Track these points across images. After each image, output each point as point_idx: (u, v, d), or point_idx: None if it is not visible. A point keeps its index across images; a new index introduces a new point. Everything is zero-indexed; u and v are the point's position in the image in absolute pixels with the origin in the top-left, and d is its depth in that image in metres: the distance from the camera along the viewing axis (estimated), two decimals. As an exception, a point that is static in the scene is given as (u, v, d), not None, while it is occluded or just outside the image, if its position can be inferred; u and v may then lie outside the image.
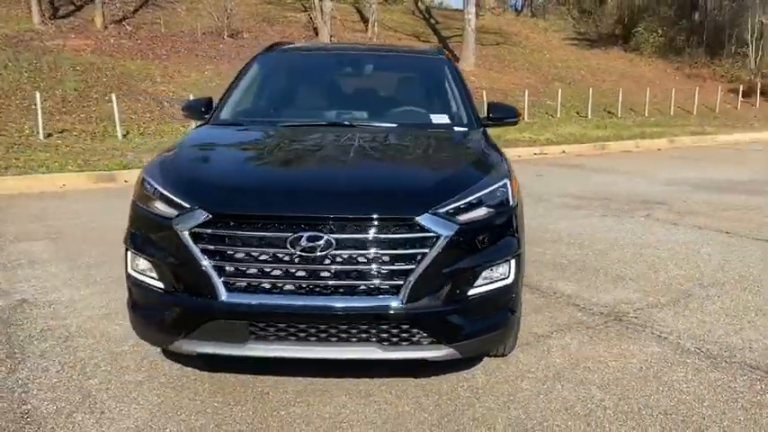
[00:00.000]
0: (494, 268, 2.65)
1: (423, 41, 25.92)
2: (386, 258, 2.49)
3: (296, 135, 3.47)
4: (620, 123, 18.86)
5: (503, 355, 3.20)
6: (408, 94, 4.22)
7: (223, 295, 2.52)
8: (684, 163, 12.12)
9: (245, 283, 2.52)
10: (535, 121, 18.19)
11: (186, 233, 2.55)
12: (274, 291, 2.53)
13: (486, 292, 2.64)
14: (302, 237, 2.46)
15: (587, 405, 2.80)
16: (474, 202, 2.64)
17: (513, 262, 2.72)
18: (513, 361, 3.24)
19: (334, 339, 2.55)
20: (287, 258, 2.49)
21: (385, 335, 2.54)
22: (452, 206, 2.58)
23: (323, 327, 2.53)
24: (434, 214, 2.53)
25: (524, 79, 23.00)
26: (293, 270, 2.50)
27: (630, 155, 13.54)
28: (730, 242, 5.79)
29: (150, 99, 15.93)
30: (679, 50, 27.70)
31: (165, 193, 2.72)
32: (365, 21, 26.34)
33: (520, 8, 33.54)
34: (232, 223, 2.53)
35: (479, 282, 2.62)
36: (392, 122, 3.68)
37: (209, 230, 2.54)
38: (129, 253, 2.83)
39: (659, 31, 27.60)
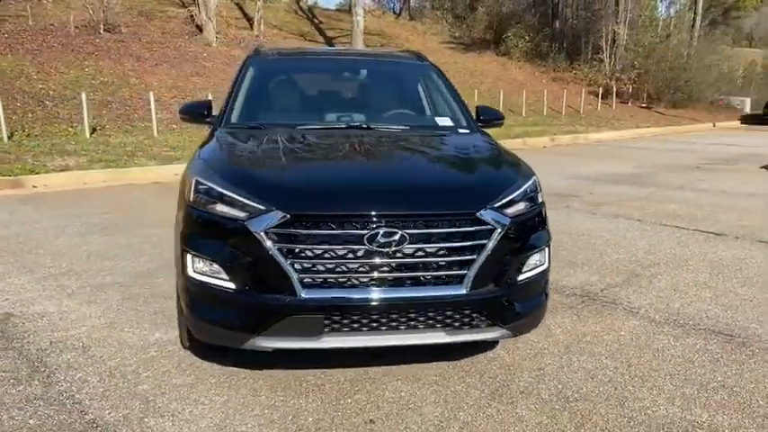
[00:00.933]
0: (534, 256, 3.01)
1: (310, 41, 26.02)
2: (451, 250, 2.76)
3: (325, 138, 3.63)
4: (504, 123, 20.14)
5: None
6: (406, 97, 4.48)
7: (301, 291, 2.66)
8: (574, 159, 13.31)
9: (321, 279, 2.68)
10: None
11: (263, 233, 2.66)
12: (350, 285, 2.70)
13: (530, 277, 2.99)
14: (378, 233, 2.66)
15: (606, 373, 3.24)
16: (517, 197, 2.98)
17: (546, 250, 3.10)
18: (525, 339, 3.62)
19: (404, 327, 2.78)
20: (363, 254, 2.68)
21: (449, 320, 2.80)
22: (503, 201, 2.90)
23: (394, 316, 2.75)
24: (491, 209, 2.83)
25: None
26: (369, 265, 2.69)
27: (523, 152, 14.57)
28: (645, 228, 6.61)
29: (29, 98, 14.75)
30: (544, 55, 29.94)
31: (234, 195, 2.79)
32: (248, 18, 25.96)
33: (398, 11, 34.56)
34: (309, 222, 2.67)
35: (525, 268, 2.96)
36: (403, 125, 3.93)
37: (286, 230, 2.66)
38: (188, 256, 2.86)
39: (526, 37, 29.66)
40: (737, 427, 2.74)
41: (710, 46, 28.74)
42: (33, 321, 3.84)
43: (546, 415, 2.81)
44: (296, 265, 2.66)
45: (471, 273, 2.76)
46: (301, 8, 31.02)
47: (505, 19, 31.92)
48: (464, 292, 2.76)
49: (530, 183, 3.13)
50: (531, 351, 3.49)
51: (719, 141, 18.22)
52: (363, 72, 4.57)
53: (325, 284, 2.70)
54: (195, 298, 2.89)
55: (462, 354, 3.39)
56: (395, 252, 2.69)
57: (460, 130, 3.95)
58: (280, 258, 2.65)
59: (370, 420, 2.76)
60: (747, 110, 27.58)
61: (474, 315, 2.83)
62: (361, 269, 2.70)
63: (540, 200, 3.15)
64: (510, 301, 2.90)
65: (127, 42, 19.90)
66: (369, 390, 3.03)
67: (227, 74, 18.91)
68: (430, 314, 2.78)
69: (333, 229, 2.68)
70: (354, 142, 3.54)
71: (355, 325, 2.74)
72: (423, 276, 2.75)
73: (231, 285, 2.75)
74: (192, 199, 2.92)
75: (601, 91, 26.87)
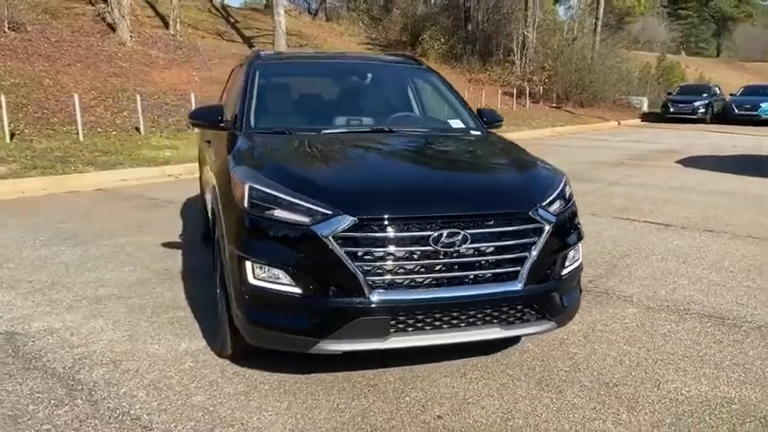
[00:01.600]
0: (572, 251, 3.21)
1: (228, 41, 25.47)
2: (506, 249, 2.90)
3: (358, 141, 3.67)
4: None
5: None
6: (415, 101, 4.58)
7: (370, 294, 2.72)
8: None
9: (388, 280, 2.74)
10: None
11: (331, 238, 2.69)
12: (416, 285, 2.79)
13: (571, 271, 3.18)
14: (443, 234, 2.76)
15: (631, 358, 3.49)
16: (557, 196, 3.17)
17: (579, 245, 3.30)
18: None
19: (463, 325, 2.89)
20: (428, 254, 2.77)
21: (504, 316, 2.94)
22: (548, 200, 3.08)
23: (455, 314, 2.86)
24: (541, 208, 3.01)
25: (333, 81, 23.82)
26: (433, 265, 2.79)
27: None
28: (602, 221, 7.04)
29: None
30: (459, 57, 30.76)
31: (296, 201, 2.80)
32: (161, 17, 25.03)
33: (315, 11, 34.41)
34: (376, 225, 2.73)
35: (567, 263, 3.15)
36: (421, 128, 4.03)
37: (354, 234, 2.71)
38: (247, 263, 2.84)
39: (441, 39, 30.35)
40: (763, 400, 3.04)
41: (612, 50, 30.65)
42: (43, 339, 3.65)
43: (596, 401, 3.00)
44: (363, 268, 2.71)
45: (524, 269, 2.91)
46: (215, 6, 30.25)
47: (420, 21, 32.52)
48: (519, 287, 2.90)
49: (564, 181, 3.33)
50: (555, 341, 3.70)
51: (629, 138, 19.47)
52: (369, 76, 4.64)
53: (392, 286, 2.76)
54: (256, 304, 2.87)
55: (494, 348, 3.54)
56: (457, 252, 2.80)
57: (473, 132, 4.10)
58: (348, 261, 2.69)
59: (438, 416, 2.85)
60: (645, 108, 29.61)
61: (525, 309, 2.98)
62: (425, 269, 2.79)
63: (572, 198, 3.35)
64: (557, 295, 3.08)
65: (35, 41, 18.71)
66: (422, 387, 3.12)
67: (148, 75, 18.23)
68: (487, 310, 2.90)
69: (399, 231, 2.75)
70: (389, 146, 3.62)
71: (419, 324, 2.83)
72: (482, 274, 2.87)
73: (297, 290, 2.77)
74: (247, 206, 2.89)
75: (515, 92, 27.97)
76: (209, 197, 5.15)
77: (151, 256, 5.43)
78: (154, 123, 14.78)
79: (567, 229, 3.16)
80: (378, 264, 2.73)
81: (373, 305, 2.73)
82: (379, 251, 2.73)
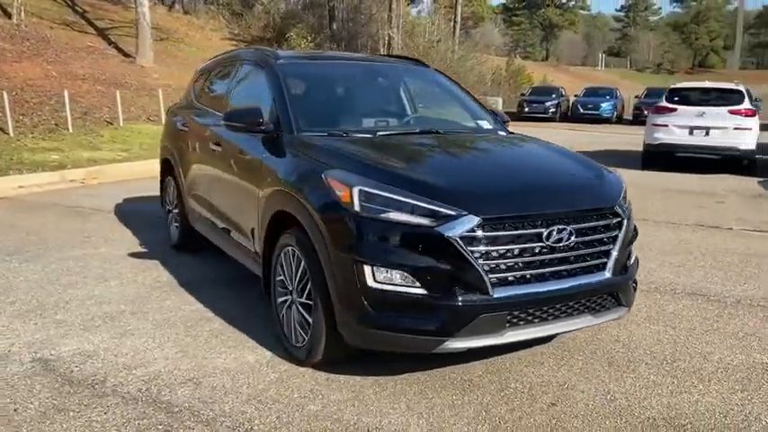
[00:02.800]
0: (634, 242, 3.51)
1: (79, 32, 23.47)
2: (599, 241, 3.15)
3: (425, 143, 3.72)
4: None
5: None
6: (441, 102, 4.65)
7: (493, 291, 2.83)
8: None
9: (507, 277, 2.86)
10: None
11: (457, 238, 2.77)
12: (529, 280, 2.94)
13: (633, 261, 3.48)
14: (553, 230, 2.94)
15: (665, 336, 3.85)
16: (625, 192, 3.46)
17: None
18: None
19: (564, 315, 3.07)
20: (541, 250, 2.94)
21: (594, 305, 3.16)
22: (622, 195, 3.36)
23: (559, 306, 3.04)
24: (621, 201, 3.29)
25: (204, 78, 22.92)
26: (545, 260, 2.96)
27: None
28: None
29: None
30: (325, 55, 30.97)
31: (417, 203, 2.82)
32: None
33: (171, 3, 32.63)
34: (497, 224, 2.83)
35: (632, 254, 3.45)
36: (462, 129, 4.17)
37: (478, 233, 2.79)
38: (366, 267, 2.82)
39: (308, 37, 30.31)
40: (789, 361, 3.56)
41: (471, 52, 32.44)
42: (87, 363, 3.31)
43: (670, 375, 3.30)
44: (486, 266, 2.81)
45: (611, 260, 3.16)
46: (60, -6, 27.66)
47: (284, 18, 32.20)
48: (608, 276, 3.15)
49: (620, 178, 3.63)
50: (605, 325, 3.91)
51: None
52: (393, 78, 4.68)
53: (509, 282, 2.88)
54: (377, 307, 2.85)
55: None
56: (564, 246, 2.99)
57: (500, 132, 4.29)
58: (473, 260, 2.77)
59: (552, 404, 2.99)
60: (500, 108, 31.71)
61: (609, 297, 3.22)
62: (539, 264, 2.95)
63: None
64: (630, 282, 3.36)
65: None
66: (515, 378, 3.24)
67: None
68: (583, 300, 3.11)
69: (516, 229, 2.88)
70: (459, 147, 3.72)
71: (530, 318, 2.97)
72: (582, 267, 3.08)
73: (422, 291, 2.79)
74: (359, 209, 2.86)
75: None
76: (192, 203, 4.90)
77: (128, 268, 5.04)
78: (19, 123, 13.35)
79: (633, 222, 3.45)
80: (498, 261, 2.83)
81: (495, 302, 2.83)
82: (499, 249, 2.83)
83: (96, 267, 5.04)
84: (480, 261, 2.78)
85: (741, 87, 11.94)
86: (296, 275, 3.27)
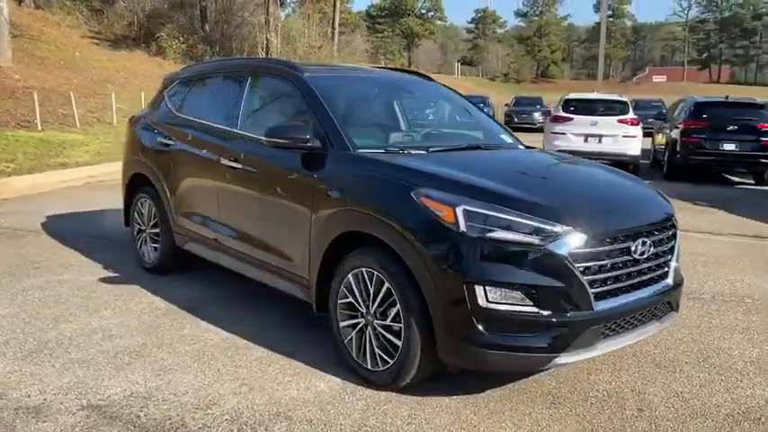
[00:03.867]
0: None
1: None
2: (666, 250, 3.34)
3: (484, 159, 3.80)
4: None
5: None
6: (465, 116, 4.68)
7: (596, 305, 2.93)
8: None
9: (606, 290, 2.99)
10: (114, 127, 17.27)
11: (567, 254, 2.85)
12: (621, 292, 3.06)
13: (677, 267, 3.68)
14: (639, 243, 3.09)
15: (692, 334, 4.15)
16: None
17: None
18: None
19: (639, 324, 3.22)
20: (628, 263, 3.07)
21: (659, 311, 3.36)
22: (672, 207, 3.64)
23: (638, 314, 3.18)
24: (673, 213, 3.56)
25: (71, 79, 21.07)
26: (632, 272, 3.10)
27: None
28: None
29: None
30: (199, 58, 29.67)
31: (522, 220, 2.86)
32: None
33: (22, -3, 29.55)
34: (599, 240, 2.95)
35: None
36: (497, 143, 4.30)
37: (584, 250, 2.90)
38: (477, 288, 2.82)
39: (180, 38, 28.99)
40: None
41: (351, 57, 32.76)
42: (147, 406, 3.02)
43: (715, 373, 3.57)
44: (588, 281, 2.91)
45: (671, 268, 3.38)
46: None
47: (151, 17, 30.54)
48: (670, 283, 3.36)
49: None
50: None
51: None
52: (420, 92, 4.70)
53: (605, 295, 2.98)
54: (488, 328, 2.85)
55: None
56: (646, 258, 3.15)
57: (520, 146, 4.45)
58: (579, 276, 2.87)
59: (639, 409, 3.14)
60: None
61: (669, 303, 3.42)
62: (626, 277, 3.08)
63: None
64: (680, 288, 3.57)
65: None
66: (588, 387, 3.37)
67: None
68: (653, 308, 3.28)
69: (613, 244, 3.01)
70: (520, 163, 3.85)
71: (618, 329, 3.09)
72: (656, 276, 3.27)
73: (534, 309, 2.84)
74: (465, 229, 2.86)
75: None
76: (185, 223, 4.63)
77: (110, 295, 4.60)
78: None
79: None
80: (597, 276, 2.94)
81: (597, 315, 2.93)
82: (598, 264, 2.95)
83: (72, 296, 4.55)
84: (585, 277, 2.89)
85: (625, 98, 13.23)
86: (373, 298, 3.19)
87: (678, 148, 11.96)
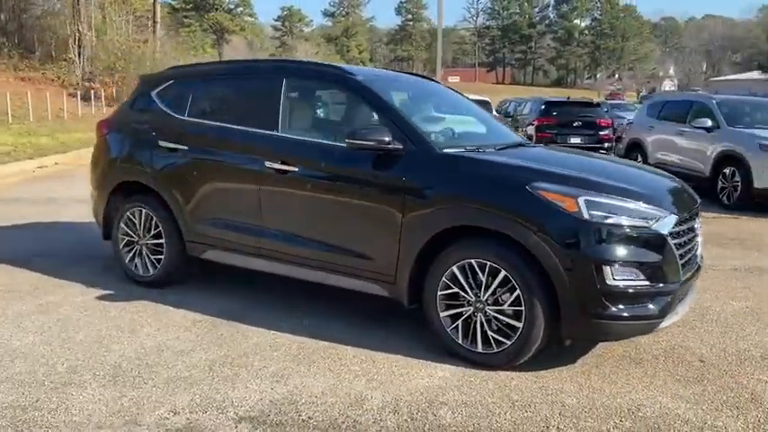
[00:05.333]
0: None
1: None
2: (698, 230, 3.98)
3: (544, 155, 4.28)
4: (35, 130, 17.52)
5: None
6: (475, 116, 4.99)
7: (682, 275, 3.52)
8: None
9: (683, 262, 3.55)
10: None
11: (668, 234, 3.40)
12: (689, 263, 3.67)
13: None
14: (697, 221, 3.80)
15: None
16: None
17: None
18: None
19: (687, 296, 3.78)
20: (689, 240, 3.69)
21: (695, 281, 4.08)
22: None
23: (693, 282, 3.85)
24: None
25: None
26: (691, 248, 3.71)
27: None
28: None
29: None
30: (-2, 53, 26.33)
31: (634, 206, 3.38)
32: None
33: None
34: (681, 221, 3.55)
35: None
36: (526, 143, 4.81)
37: (675, 229, 3.47)
38: (606, 268, 3.25)
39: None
40: None
41: (176, 55, 30.96)
42: (301, 410, 3.04)
43: (717, 324, 4.43)
44: (679, 255, 3.49)
45: (700, 246, 4.01)
46: None
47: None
48: (700, 258, 3.99)
49: None
50: None
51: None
52: (439, 94, 4.98)
53: (684, 266, 3.55)
54: (613, 303, 3.28)
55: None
56: (695, 236, 3.81)
57: (537, 144, 4.97)
58: (675, 251, 3.44)
59: (700, 360, 3.76)
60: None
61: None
62: (687, 252, 3.65)
63: None
64: None
65: None
66: (642, 350, 3.88)
67: None
68: (695, 277, 3.89)
69: (687, 223, 3.64)
70: (575, 158, 4.41)
71: (685, 296, 3.68)
72: (699, 254, 3.92)
73: (647, 282, 3.33)
74: (588, 217, 3.28)
75: (80, 93, 25.74)
76: (206, 230, 4.55)
77: (130, 314, 4.30)
78: None
79: None
80: (681, 250, 3.52)
81: (682, 284, 3.53)
82: (681, 240, 3.55)
83: (88, 318, 4.18)
84: (677, 251, 3.47)
85: (487, 98, 14.58)
86: (486, 286, 3.49)
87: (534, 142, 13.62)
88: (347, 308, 4.40)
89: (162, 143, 4.67)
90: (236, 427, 2.88)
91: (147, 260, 4.82)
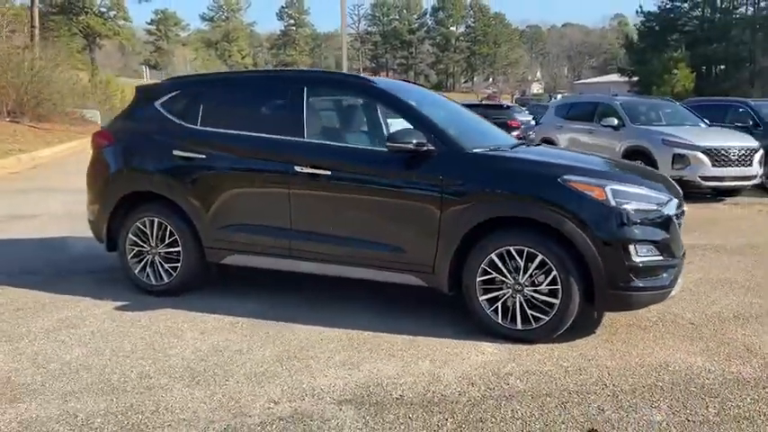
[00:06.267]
0: None
1: None
2: None
3: (553, 152, 4.88)
4: None
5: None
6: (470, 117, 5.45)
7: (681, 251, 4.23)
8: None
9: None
10: None
11: (673, 216, 4.03)
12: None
13: None
14: (681, 208, 4.44)
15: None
16: None
17: None
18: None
19: None
20: (682, 221, 4.33)
21: None
22: None
23: None
24: None
25: None
26: (682, 226, 4.34)
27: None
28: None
29: None
30: None
31: (648, 193, 4.03)
32: None
33: None
34: (679, 204, 4.19)
35: None
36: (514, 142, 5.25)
37: (677, 211, 4.12)
38: (631, 246, 3.80)
39: None
40: None
41: (66, 60, 28.95)
42: (405, 390, 3.33)
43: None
44: (680, 233, 4.17)
45: None
46: None
47: None
48: None
49: None
50: None
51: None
52: (433, 98, 5.38)
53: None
54: (637, 276, 3.82)
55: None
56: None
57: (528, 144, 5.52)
58: (678, 229, 4.09)
59: (691, 323, 4.46)
60: (99, 120, 29.52)
61: None
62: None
63: None
64: None
65: None
66: (641, 317, 4.45)
67: None
68: None
69: (681, 206, 4.27)
70: (574, 154, 5.06)
71: None
72: None
73: (660, 257, 3.92)
74: (615, 204, 3.81)
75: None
76: (230, 236, 4.68)
77: (163, 321, 4.34)
78: None
79: None
80: (681, 229, 4.21)
81: (682, 258, 4.22)
82: (678, 221, 4.17)
83: (121, 329, 4.18)
84: (679, 230, 4.10)
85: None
86: (524, 270, 3.92)
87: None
88: (366, 302, 4.70)
89: (176, 152, 4.71)
90: (341, 409, 3.12)
91: (159, 269, 4.83)
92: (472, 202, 4.03)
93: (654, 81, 41.10)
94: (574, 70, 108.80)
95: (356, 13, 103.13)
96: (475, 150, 4.25)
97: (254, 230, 4.57)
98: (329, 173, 4.32)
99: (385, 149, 4.19)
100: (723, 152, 10.05)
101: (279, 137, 4.50)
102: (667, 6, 48.50)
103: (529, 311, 3.97)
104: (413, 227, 4.17)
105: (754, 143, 10.45)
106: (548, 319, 3.94)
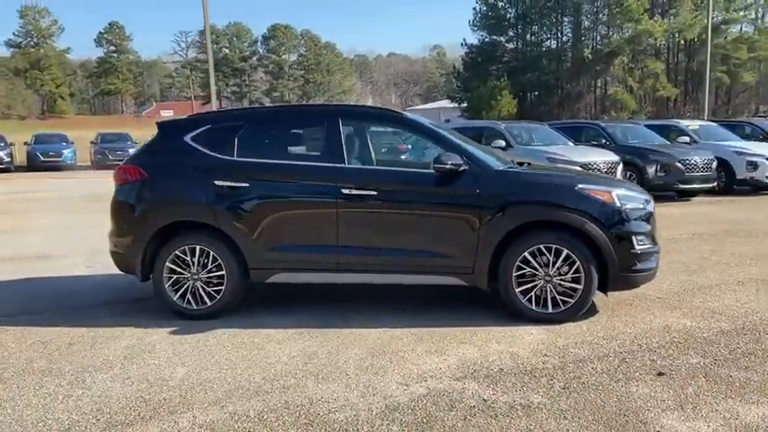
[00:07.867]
0: None
1: None
2: None
3: (549, 168, 5.56)
4: None
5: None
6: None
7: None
8: None
9: None
10: None
11: (653, 211, 5.14)
12: None
13: None
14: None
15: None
16: None
17: None
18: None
19: None
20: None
21: None
22: None
23: None
24: None
25: None
26: None
27: None
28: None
29: None
30: None
31: (640, 195, 5.13)
32: None
33: None
34: (653, 204, 5.33)
35: None
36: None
37: (653, 209, 5.25)
38: (634, 238, 4.83)
39: None
40: None
41: None
42: (485, 367, 4.00)
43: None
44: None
45: None
46: None
47: None
48: None
49: None
50: None
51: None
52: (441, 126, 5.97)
53: None
54: (639, 262, 4.83)
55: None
56: None
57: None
58: (655, 222, 5.18)
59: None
60: None
61: None
62: None
63: None
64: None
65: None
66: (633, 293, 5.62)
67: None
68: None
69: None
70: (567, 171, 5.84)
71: None
72: None
73: (651, 245, 4.95)
74: (619, 205, 4.83)
75: None
76: (277, 256, 5.05)
77: (229, 342, 4.61)
78: None
79: None
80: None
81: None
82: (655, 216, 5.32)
83: (198, 349, 4.41)
84: (656, 223, 5.22)
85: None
86: (554, 263, 4.78)
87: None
88: (393, 306, 5.31)
89: (218, 182, 4.97)
90: (464, 384, 3.72)
91: (201, 293, 5.02)
92: (506, 210, 4.84)
93: (482, 107, 45.18)
94: (401, 97, 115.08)
95: (184, 40, 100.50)
96: (500, 168, 5.08)
97: (302, 249, 4.98)
98: (374, 192, 4.90)
99: (427, 170, 4.88)
100: (595, 165, 11.88)
101: (323, 164, 4.98)
102: (486, 40, 53.71)
103: (558, 297, 4.85)
104: (456, 235, 4.87)
105: (615, 157, 12.47)
106: (573, 301, 4.84)
